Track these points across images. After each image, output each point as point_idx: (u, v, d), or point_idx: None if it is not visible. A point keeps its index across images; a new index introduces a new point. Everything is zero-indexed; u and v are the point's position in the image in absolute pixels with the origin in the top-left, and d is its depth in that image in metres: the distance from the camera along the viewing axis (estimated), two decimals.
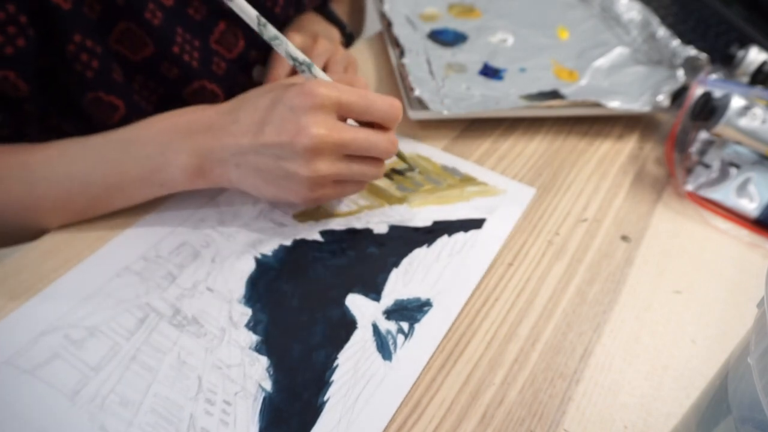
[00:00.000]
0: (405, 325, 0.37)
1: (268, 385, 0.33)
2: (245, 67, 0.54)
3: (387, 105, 0.38)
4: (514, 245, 0.44)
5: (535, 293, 0.40)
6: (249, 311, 0.37)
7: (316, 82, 0.37)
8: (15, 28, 0.39)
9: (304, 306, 0.38)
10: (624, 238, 0.45)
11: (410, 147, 0.51)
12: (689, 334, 0.39)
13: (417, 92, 0.51)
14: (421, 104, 0.52)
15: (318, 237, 0.42)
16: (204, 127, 0.39)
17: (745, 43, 0.61)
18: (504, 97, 0.54)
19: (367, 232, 0.43)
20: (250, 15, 0.37)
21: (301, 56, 0.39)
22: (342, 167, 0.38)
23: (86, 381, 0.32)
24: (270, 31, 0.38)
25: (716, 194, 0.49)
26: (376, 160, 0.40)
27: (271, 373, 0.34)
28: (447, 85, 0.55)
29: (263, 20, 0.38)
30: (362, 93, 0.38)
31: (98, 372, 0.33)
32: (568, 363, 0.36)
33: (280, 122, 0.37)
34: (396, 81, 0.58)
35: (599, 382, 0.36)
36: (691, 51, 0.58)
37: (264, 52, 0.55)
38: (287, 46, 0.39)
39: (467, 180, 0.49)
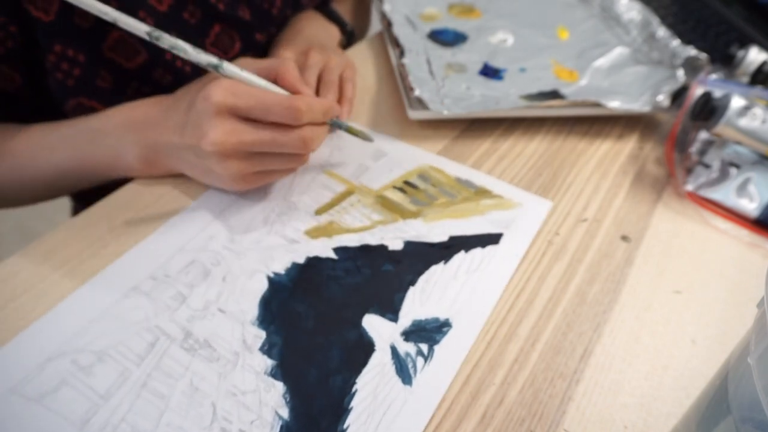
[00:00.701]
0: (424, 347, 0.36)
1: (285, 413, 0.32)
2: None
3: (283, 108, 0.37)
4: None
5: (535, 293, 0.40)
6: (263, 333, 0.36)
7: (214, 87, 0.37)
8: (3, 33, 0.42)
9: (319, 327, 0.36)
10: (624, 238, 0.45)
11: (423, 159, 0.50)
12: (689, 334, 0.39)
13: (417, 92, 0.51)
14: (421, 104, 0.52)
15: (331, 254, 0.41)
16: (150, 122, 0.41)
17: (745, 43, 0.61)
18: (504, 97, 0.54)
19: (381, 249, 0.42)
20: (139, 30, 0.36)
21: (205, 59, 0.38)
22: (255, 163, 0.39)
23: (96, 409, 0.31)
24: (166, 41, 0.37)
25: (716, 194, 0.49)
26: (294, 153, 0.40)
27: (288, 399, 0.33)
28: (447, 85, 0.55)
29: (157, 32, 0.37)
30: (260, 97, 0.37)
31: (108, 400, 0.31)
32: (568, 363, 0.36)
33: (192, 125, 0.38)
34: (396, 81, 0.58)
35: (599, 382, 0.36)
36: (691, 51, 0.58)
37: (262, 55, 0.55)
38: (188, 52, 0.38)
39: (482, 192, 0.47)
